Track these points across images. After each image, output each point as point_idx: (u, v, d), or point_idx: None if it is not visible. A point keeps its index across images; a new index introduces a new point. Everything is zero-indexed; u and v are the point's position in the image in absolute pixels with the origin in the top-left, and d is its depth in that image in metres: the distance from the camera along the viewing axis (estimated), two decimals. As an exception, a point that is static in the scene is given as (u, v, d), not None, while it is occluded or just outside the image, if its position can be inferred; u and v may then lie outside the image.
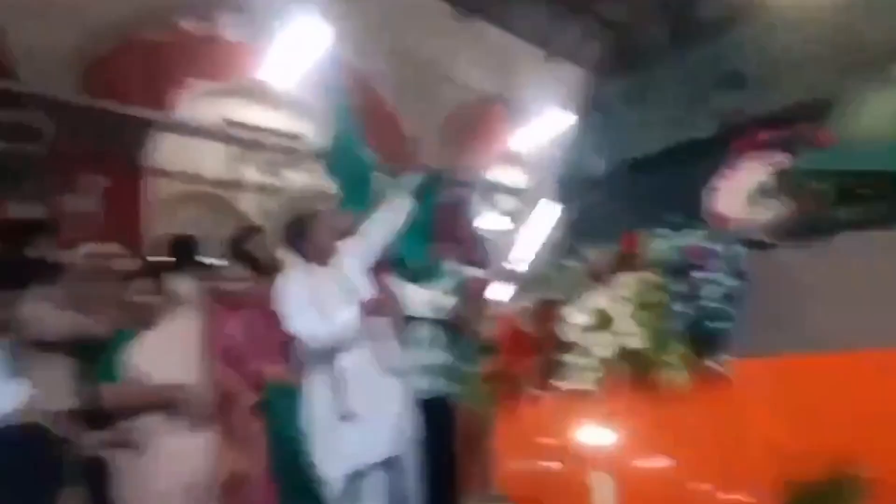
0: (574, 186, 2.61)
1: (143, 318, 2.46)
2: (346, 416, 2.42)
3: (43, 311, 2.29)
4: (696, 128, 2.25)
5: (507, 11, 7.10)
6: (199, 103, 6.34)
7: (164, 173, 6.30)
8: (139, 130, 6.07)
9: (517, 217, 5.97)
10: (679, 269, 1.64)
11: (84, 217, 5.31)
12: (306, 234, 2.75)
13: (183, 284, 2.67)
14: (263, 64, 6.31)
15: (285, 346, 2.56)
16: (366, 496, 2.57)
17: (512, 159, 7.41)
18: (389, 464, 2.59)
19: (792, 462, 1.35)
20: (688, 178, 2.04)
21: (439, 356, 2.84)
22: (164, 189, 6.22)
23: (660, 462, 1.59)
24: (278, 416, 2.48)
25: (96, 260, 2.69)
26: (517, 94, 7.68)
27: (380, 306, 2.61)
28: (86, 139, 5.64)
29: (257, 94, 6.53)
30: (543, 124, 7.06)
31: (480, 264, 3.27)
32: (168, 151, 6.27)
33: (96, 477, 2.25)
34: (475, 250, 3.77)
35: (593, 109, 2.79)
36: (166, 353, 2.36)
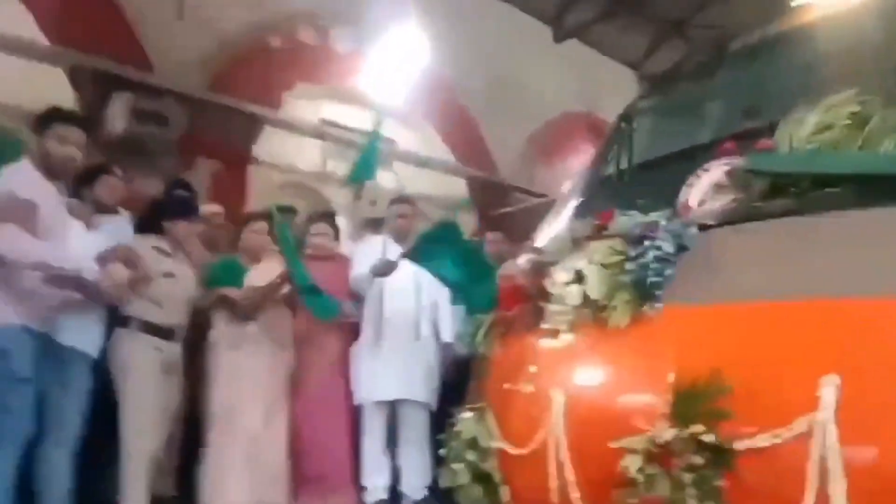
0: (594, 183, 3.09)
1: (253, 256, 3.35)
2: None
3: None
4: (697, 137, 2.68)
5: (606, 35, 7.39)
6: (302, 103, 7.18)
7: (268, 164, 7.17)
8: (252, 125, 6.98)
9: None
10: (635, 238, 2.11)
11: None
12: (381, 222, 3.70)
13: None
14: (364, 72, 7.07)
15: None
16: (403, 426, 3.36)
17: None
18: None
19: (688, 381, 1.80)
20: (676, 176, 2.49)
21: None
22: (266, 177, 7.07)
23: (602, 381, 2.06)
24: None
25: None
26: (604, 111, 8.03)
27: None
28: (207, 129, 6.55)
29: (356, 98, 7.30)
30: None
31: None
32: (272, 145, 7.15)
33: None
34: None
35: (635, 119, 3.24)
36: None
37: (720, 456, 1.70)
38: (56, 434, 2.73)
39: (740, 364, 1.74)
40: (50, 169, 2.61)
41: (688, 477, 1.71)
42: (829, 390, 1.60)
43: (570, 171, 8.36)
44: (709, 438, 1.71)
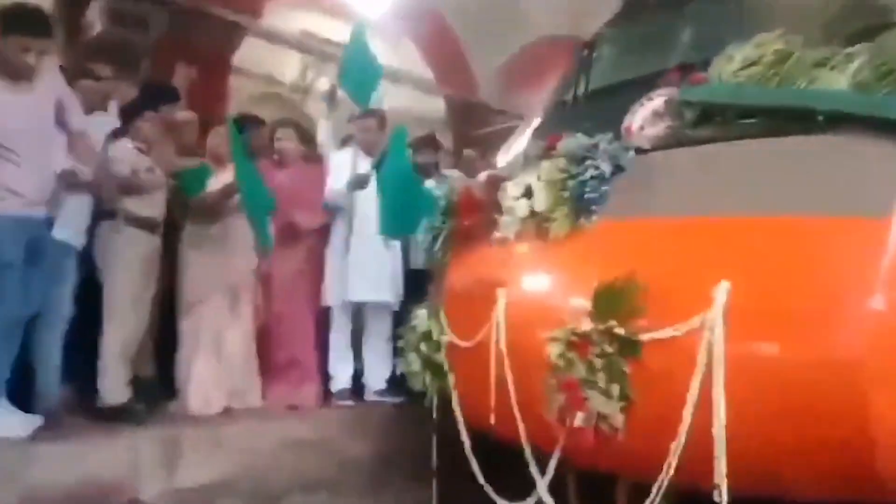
0: (554, 108, 3.29)
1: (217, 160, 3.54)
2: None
3: None
4: (649, 67, 2.86)
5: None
6: (283, 14, 7.15)
7: (247, 74, 7.19)
8: (232, 33, 6.95)
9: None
10: (578, 158, 2.34)
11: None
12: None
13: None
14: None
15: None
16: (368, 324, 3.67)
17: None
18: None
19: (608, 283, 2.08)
20: (623, 103, 2.69)
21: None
22: (245, 87, 7.10)
23: (540, 284, 2.34)
24: None
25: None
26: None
27: None
28: (187, 35, 6.51)
29: (337, 10, 7.25)
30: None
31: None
32: (252, 54, 7.15)
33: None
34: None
35: (596, 47, 3.40)
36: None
37: (628, 345, 1.99)
38: (47, 317, 2.99)
39: (652, 270, 2.01)
40: (8, 72, 2.70)
41: (600, 362, 2.01)
42: (721, 293, 1.87)
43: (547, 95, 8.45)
44: (619, 330, 2.01)
